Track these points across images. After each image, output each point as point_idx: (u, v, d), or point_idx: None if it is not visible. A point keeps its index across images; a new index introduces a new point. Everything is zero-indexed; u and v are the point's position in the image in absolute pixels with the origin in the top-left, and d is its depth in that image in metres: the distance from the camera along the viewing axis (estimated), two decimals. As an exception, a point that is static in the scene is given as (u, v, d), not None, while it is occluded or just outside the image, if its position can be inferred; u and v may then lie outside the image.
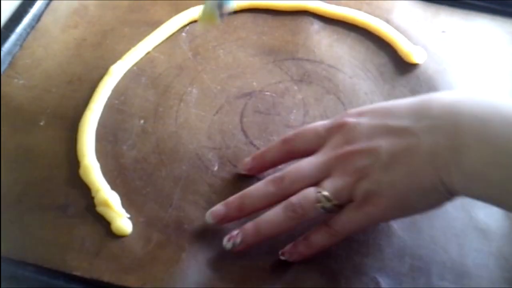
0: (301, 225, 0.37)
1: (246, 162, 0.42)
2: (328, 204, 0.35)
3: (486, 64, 0.50)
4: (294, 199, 0.36)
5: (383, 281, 0.37)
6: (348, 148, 0.36)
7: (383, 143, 0.35)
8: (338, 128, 0.37)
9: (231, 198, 0.38)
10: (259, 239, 0.37)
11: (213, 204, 0.40)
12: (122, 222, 0.39)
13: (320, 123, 0.39)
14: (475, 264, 0.38)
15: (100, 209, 0.40)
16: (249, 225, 0.37)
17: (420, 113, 0.35)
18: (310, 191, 0.36)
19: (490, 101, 0.33)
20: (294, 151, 0.39)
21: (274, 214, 0.36)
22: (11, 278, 0.37)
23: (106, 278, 0.37)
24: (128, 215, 0.40)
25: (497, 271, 0.38)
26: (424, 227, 0.40)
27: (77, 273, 0.37)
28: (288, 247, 0.37)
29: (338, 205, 0.35)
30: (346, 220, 0.36)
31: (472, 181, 0.32)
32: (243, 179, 0.42)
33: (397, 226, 0.40)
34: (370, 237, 0.39)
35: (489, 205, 0.40)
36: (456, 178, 0.32)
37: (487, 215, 0.40)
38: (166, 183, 0.42)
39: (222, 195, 0.41)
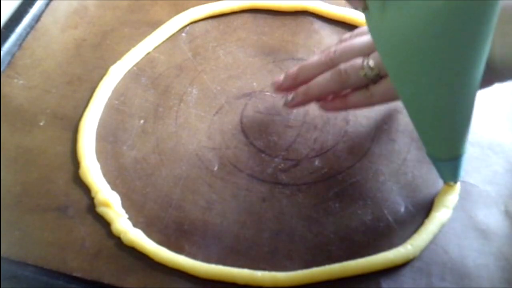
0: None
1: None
2: (370, 73, 0.38)
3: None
4: (342, 65, 0.40)
5: (383, 282, 0.37)
6: None
7: None
8: None
9: (290, 70, 0.43)
10: (308, 97, 0.42)
11: (213, 204, 0.40)
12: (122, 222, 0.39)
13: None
14: (475, 265, 0.38)
15: (100, 209, 0.40)
16: (301, 87, 0.42)
17: None
18: (358, 60, 0.39)
19: None
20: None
21: (322, 77, 0.41)
22: (11, 278, 0.37)
23: (106, 279, 0.37)
24: (128, 216, 0.40)
25: (498, 271, 0.38)
26: (424, 227, 0.40)
27: (77, 274, 0.37)
28: (327, 102, 0.42)
29: (379, 76, 0.38)
30: (385, 88, 0.39)
31: None
32: (244, 180, 0.42)
33: (397, 226, 0.40)
34: (370, 238, 0.39)
35: (489, 206, 0.41)
36: (498, 47, 0.33)
37: (487, 215, 0.40)
38: (166, 183, 0.42)
39: (222, 195, 0.41)
